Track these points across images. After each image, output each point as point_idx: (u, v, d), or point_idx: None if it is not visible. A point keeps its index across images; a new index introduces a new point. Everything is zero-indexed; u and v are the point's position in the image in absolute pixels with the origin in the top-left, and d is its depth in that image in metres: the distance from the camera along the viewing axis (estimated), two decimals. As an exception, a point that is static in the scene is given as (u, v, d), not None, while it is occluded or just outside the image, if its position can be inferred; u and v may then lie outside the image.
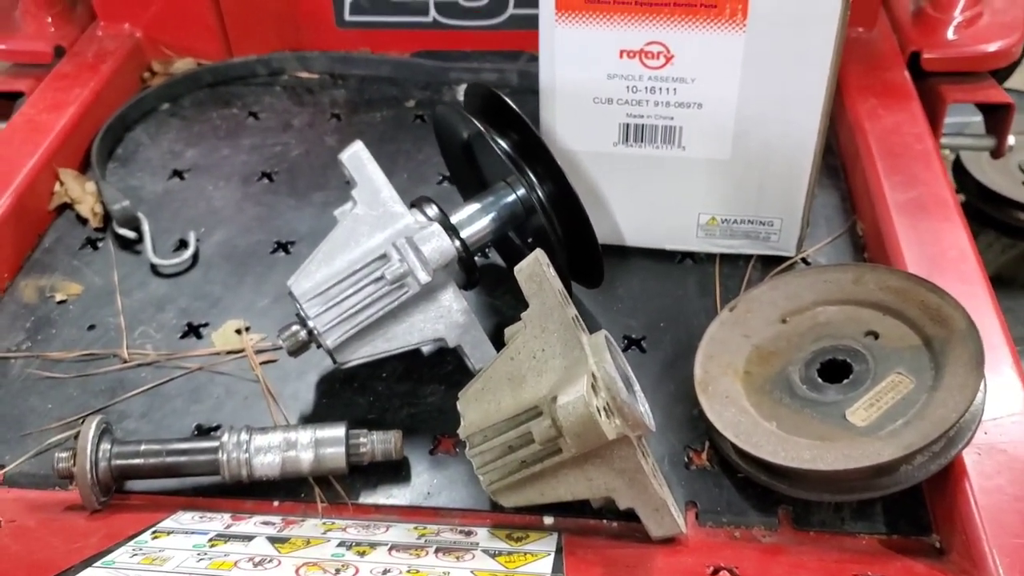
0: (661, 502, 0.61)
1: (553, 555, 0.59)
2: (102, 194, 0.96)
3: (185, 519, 0.65)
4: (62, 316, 0.85)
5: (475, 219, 0.75)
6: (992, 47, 1.05)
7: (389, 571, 0.55)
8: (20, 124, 1.01)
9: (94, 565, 0.56)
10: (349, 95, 1.14)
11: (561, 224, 0.75)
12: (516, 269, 0.64)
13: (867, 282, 0.73)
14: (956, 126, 1.15)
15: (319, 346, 0.71)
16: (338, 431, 0.68)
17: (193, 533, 0.62)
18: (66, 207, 0.97)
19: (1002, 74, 1.18)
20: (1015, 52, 1.06)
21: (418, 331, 0.71)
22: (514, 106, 0.74)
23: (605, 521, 0.66)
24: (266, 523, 0.64)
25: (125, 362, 0.80)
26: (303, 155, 1.04)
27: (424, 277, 0.68)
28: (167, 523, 0.64)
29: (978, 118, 1.12)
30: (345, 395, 0.76)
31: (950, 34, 1.06)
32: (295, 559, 0.57)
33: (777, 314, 0.75)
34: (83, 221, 0.96)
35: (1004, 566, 0.57)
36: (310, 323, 0.70)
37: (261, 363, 0.79)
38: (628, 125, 0.80)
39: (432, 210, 0.73)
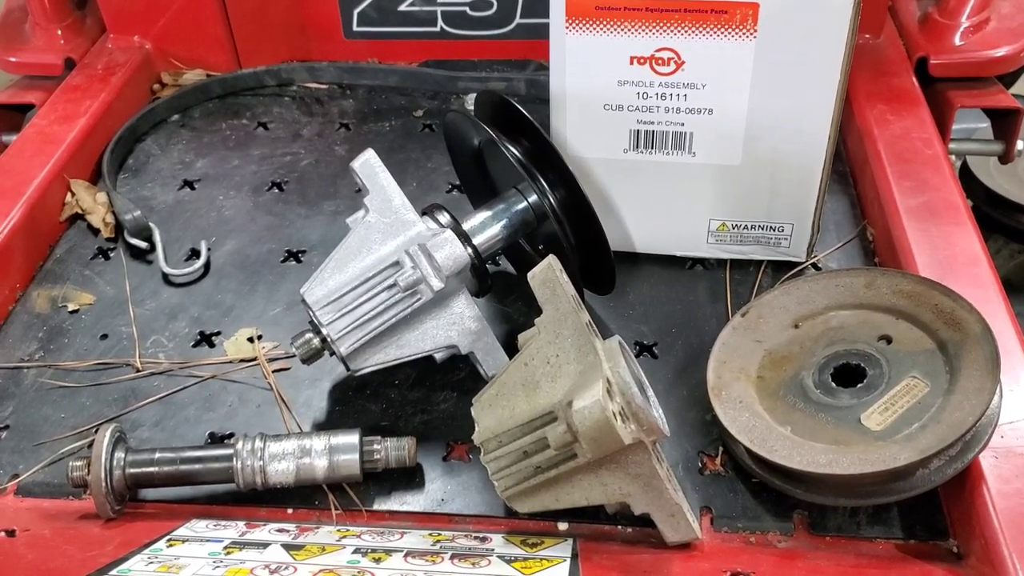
0: (676, 507, 0.61)
1: (569, 561, 0.59)
2: (113, 204, 0.96)
3: (200, 527, 0.65)
4: (74, 326, 0.85)
5: (487, 226, 0.75)
6: (999, 52, 1.05)
7: (406, 577, 0.55)
8: (31, 136, 1.02)
9: (109, 574, 0.56)
10: (358, 105, 1.14)
11: (573, 230, 0.75)
12: (529, 275, 0.64)
13: (880, 286, 0.73)
14: (962, 132, 1.15)
15: (332, 353, 0.71)
16: (352, 438, 0.68)
17: (208, 541, 0.62)
18: (78, 218, 0.98)
19: (1009, 79, 1.18)
20: (1022, 57, 1.06)
21: (431, 338, 0.71)
22: (525, 112, 0.74)
23: (620, 527, 0.66)
24: (281, 530, 0.64)
25: (138, 371, 0.80)
26: (313, 165, 1.04)
27: (437, 284, 0.68)
28: (182, 531, 0.64)
29: (985, 124, 1.12)
30: (358, 402, 0.76)
31: (957, 40, 1.07)
32: (311, 566, 0.57)
33: (789, 319, 0.75)
34: (95, 231, 0.96)
35: None
36: (323, 330, 0.70)
37: (274, 371, 0.79)
38: (638, 131, 0.81)
39: (444, 217, 0.73)
